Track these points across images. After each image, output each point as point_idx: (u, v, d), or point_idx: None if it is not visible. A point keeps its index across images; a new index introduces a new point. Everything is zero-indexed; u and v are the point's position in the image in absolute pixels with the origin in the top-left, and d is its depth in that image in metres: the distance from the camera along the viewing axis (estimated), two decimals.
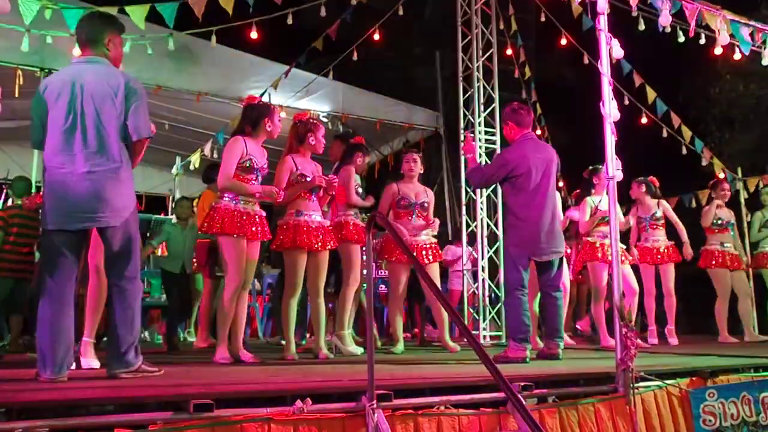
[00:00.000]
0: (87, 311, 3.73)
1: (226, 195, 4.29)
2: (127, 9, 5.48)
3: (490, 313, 7.40)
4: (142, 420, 2.36)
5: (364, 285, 5.44)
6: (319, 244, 4.63)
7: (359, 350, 5.09)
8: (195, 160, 8.75)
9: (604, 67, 3.66)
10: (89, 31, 3.35)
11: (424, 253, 5.39)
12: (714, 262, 6.84)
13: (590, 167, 6.16)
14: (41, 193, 5.38)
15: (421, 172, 5.70)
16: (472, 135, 6.88)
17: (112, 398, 2.49)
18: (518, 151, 4.62)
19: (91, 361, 3.69)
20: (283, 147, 4.95)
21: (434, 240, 5.62)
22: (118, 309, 3.17)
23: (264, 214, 4.44)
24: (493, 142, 7.77)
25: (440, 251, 5.70)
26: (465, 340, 5.66)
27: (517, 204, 4.56)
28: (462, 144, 6.08)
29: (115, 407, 2.40)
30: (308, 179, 4.66)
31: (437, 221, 5.62)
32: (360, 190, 5.37)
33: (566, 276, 5.90)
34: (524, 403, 1.86)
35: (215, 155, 7.95)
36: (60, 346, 3.01)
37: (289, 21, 6.39)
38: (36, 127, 3.21)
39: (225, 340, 4.30)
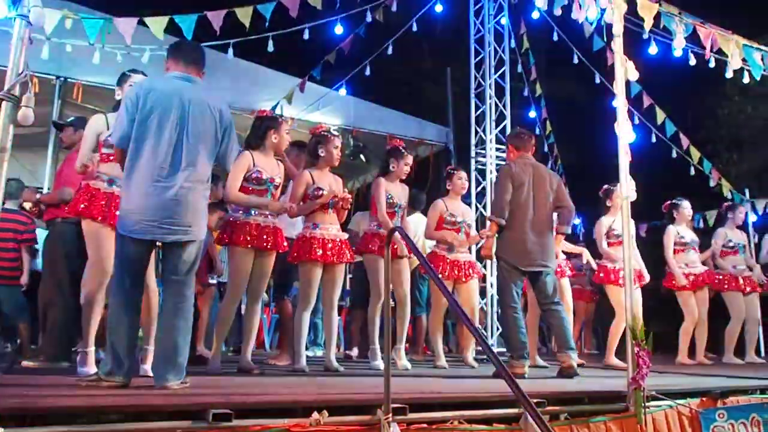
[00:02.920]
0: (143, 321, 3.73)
1: (237, 207, 4.37)
2: (147, 20, 5.57)
3: (498, 329, 7.41)
4: (162, 428, 2.38)
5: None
6: (335, 257, 4.66)
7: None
8: None
9: (620, 89, 3.70)
10: (195, 54, 3.40)
11: (469, 270, 5.45)
12: (726, 286, 6.89)
13: (604, 187, 6.14)
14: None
15: None
16: None
17: (133, 406, 2.51)
18: (513, 168, 4.83)
19: (149, 367, 3.64)
20: None
21: (473, 258, 5.68)
22: (179, 320, 3.17)
23: (278, 225, 4.48)
24: (504, 159, 7.82)
25: (478, 269, 5.70)
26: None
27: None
28: None
29: (135, 415, 2.43)
30: (325, 193, 4.70)
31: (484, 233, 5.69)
32: (394, 200, 5.15)
33: (568, 293, 5.99)
34: (544, 419, 1.88)
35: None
36: (130, 356, 3.07)
37: (306, 36, 6.48)
38: (128, 123, 3.15)
39: (219, 350, 4.35)
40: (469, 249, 6.04)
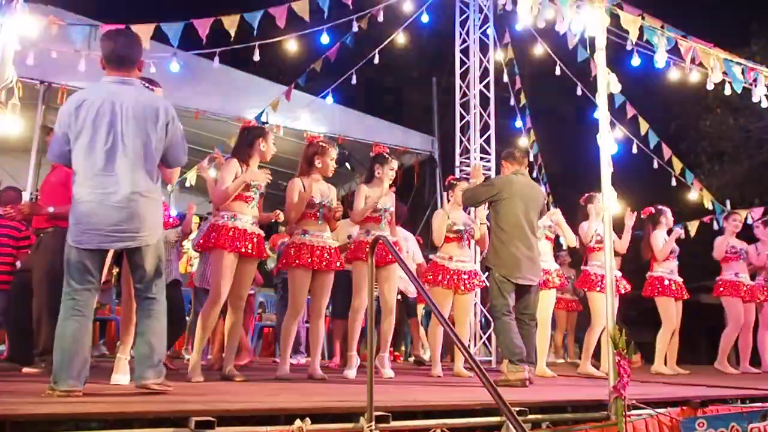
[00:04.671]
0: (122, 329, 3.81)
1: (222, 213, 4.34)
2: (133, 27, 5.52)
3: (481, 338, 7.43)
4: None
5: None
6: (325, 264, 4.66)
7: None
8: (191, 177, 8.78)
9: (602, 101, 3.75)
10: (126, 51, 3.26)
11: (465, 278, 5.48)
12: (726, 292, 6.98)
13: (586, 195, 6.26)
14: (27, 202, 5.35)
15: None
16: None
17: (114, 413, 2.49)
18: (507, 179, 5.05)
19: (120, 377, 3.65)
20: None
21: (476, 267, 5.77)
22: (151, 321, 3.20)
23: (262, 234, 4.47)
24: (488, 168, 7.88)
25: (481, 279, 5.71)
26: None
27: (499, 227, 4.91)
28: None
29: (116, 422, 2.41)
30: (317, 202, 4.71)
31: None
32: (378, 205, 5.11)
33: (551, 306, 6.09)
34: (525, 427, 1.90)
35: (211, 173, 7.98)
36: (78, 359, 3.03)
37: (293, 47, 6.49)
38: (60, 139, 3.16)
39: (199, 356, 4.27)
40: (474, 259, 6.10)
